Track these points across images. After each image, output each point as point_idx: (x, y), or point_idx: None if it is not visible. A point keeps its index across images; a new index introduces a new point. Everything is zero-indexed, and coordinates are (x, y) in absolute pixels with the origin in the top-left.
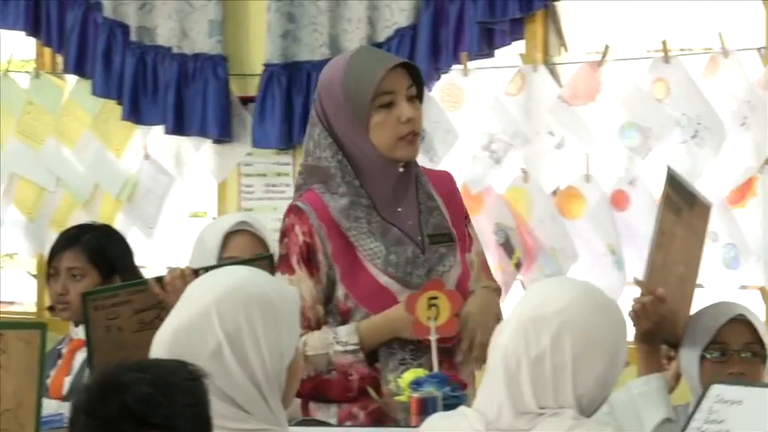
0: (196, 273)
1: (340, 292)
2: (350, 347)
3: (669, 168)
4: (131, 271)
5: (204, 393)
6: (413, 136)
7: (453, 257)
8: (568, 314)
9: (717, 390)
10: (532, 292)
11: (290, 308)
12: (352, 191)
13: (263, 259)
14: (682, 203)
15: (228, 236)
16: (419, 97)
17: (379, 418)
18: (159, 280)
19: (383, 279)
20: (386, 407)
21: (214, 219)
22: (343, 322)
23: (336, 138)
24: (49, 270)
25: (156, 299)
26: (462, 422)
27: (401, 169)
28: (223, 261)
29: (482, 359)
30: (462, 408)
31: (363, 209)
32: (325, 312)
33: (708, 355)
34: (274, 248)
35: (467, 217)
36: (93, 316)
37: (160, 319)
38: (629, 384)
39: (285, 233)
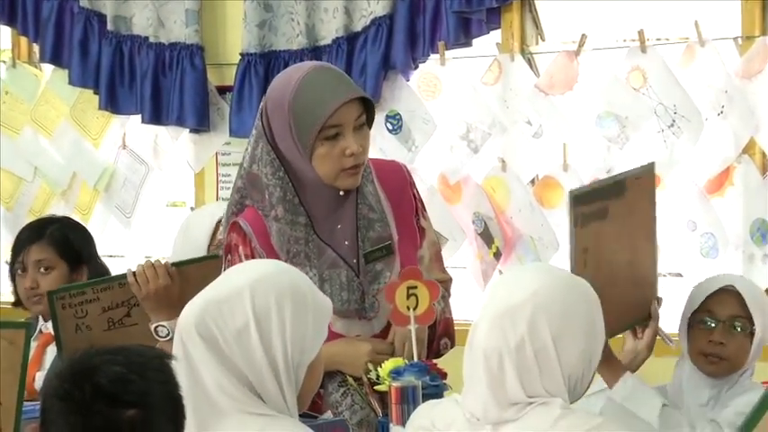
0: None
1: None
2: None
3: (571, 192)
4: (96, 262)
5: (173, 373)
6: (356, 168)
7: (390, 272)
8: (539, 298)
9: None
10: (499, 285)
11: (321, 312)
12: (291, 208)
13: (213, 259)
14: (600, 208)
15: (219, 223)
16: (369, 123)
17: None
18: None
19: None
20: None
21: (192, 208)
22: None
23: (279, 154)
24: (15, 265)
25: (125, 296)
26: (454, 409)
27: (341, 192)
28: (211, 248)
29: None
30: (454, 395)
31: (302, 228)
32: None
33: (694, 322)
34: None
35: (420, 209)
36: (61, 315)
37: (129, 316)
38: (610, 397)
39: (229, 250)
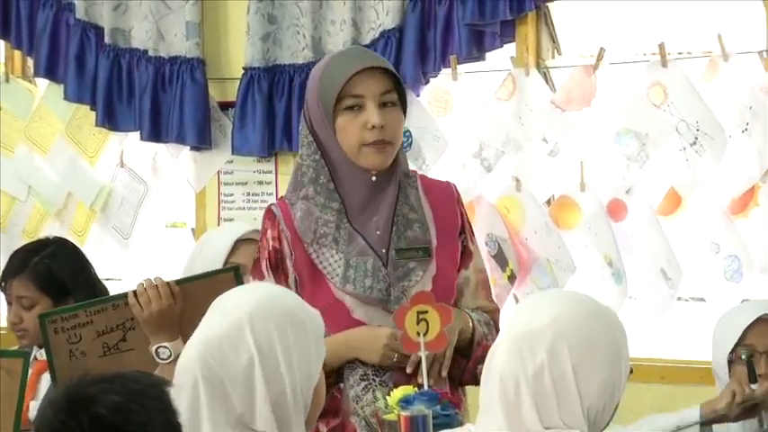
0: (168, 283)
1: None
2: None
3: None
4: (88, 288)
5: (172, 401)
6: (381, 144)
7: (423, 272)
8: (561, 323)
9: None
10: (520, 310)
11: (318, 331)
12: (324, 193)
13: (227, 272)
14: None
15: (238, 242)
16: (403, 105)
17: None
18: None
19: (339, 293)
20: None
21: (193, 230)
22: None
23: (316, 136)
24: (4, 293)
25: (120, 319)
26: None
27: (373, 178)
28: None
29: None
30: (468, 426)
31: (334, 213)
32: None
33: (735, 358)
34: None
35: (468, 231)
36: (53, 340)
37: (125, 341)
38: None
39: (261, 236)
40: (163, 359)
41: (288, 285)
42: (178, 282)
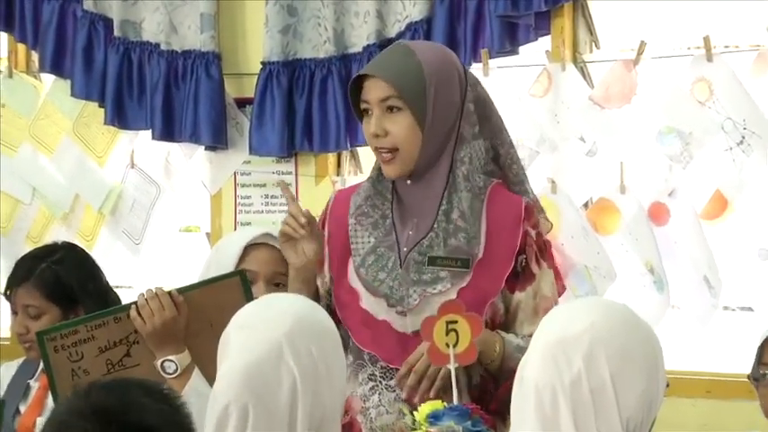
0: (170, 293)
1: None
2: None
3: None
4: (98, 297)
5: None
6: (386, 152)
7: (452, 284)
8: (597, 330)
9: None
10: (552, 316)
11: (339, 341)
12: (384, 182)
13: (232, 276)
14: None
15: (249, 248)
16: (419, 107)
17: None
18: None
19: (353, 278)
20: None
21: (208, 234)
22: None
23: None
24: (9, 302)
25: (122, 333)
26: None
27: (408, 182)
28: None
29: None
30: None
31: (386, 201)
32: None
33: (756, 378)
34: None
35: (535, 253)
36: (53, 359)
37: (130, 356)
38: None
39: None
40: (169, 373)
41: (322, 270)
42: (181, 290)
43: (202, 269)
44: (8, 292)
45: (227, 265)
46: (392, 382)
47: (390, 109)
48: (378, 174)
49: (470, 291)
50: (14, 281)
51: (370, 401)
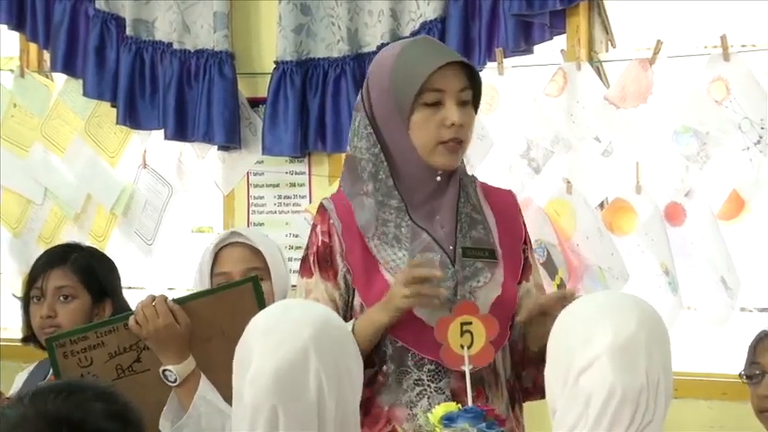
0: (167, 301)
1: (356, 300)
2: None
3: None
4: (120, 298)
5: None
6: (456, 144)
7: (490, 275)
8: (648, 327)
9: None
10: (598, 318)
11: (354, 340)
12: (383, 190)
13: (244, 283)
14: None
15: (220, 251)
16: (475, 104)
17: None
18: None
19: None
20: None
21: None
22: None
23: (377, 129)
24: (31, 292)
25: (132, 339)
26: None
27: (438, 177)
28: (215, 277)
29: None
30: None
31: (393, 210)
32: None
33: (749, 377)
34: (278, 259)
35: (530, 243)
36: (63, 364)
37: (140, 361)
38: None
39: (310, 232)
40: (170, 381)
41: (336, 282)
42: (184, 299)
43: (195, 275)
44: (32, 284)
45: (205, 272)
46: (441, 384)
47: (463, 102)
48: (375, 184)
49: (507, 286)
50: (48, 264)
51: (418, 407)
